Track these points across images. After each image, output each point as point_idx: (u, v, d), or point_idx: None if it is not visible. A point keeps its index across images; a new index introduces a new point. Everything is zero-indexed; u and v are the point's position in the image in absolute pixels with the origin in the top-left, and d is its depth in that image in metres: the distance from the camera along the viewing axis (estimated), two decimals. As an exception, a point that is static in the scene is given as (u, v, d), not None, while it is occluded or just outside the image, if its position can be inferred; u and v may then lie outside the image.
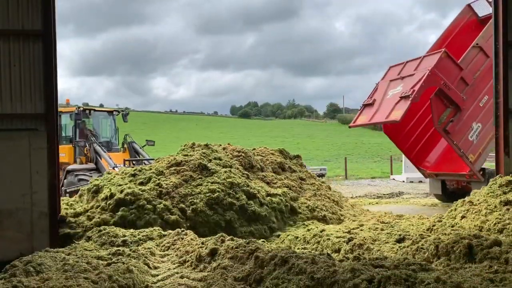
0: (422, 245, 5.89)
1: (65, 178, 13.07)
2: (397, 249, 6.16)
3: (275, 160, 11.26)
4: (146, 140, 15.20)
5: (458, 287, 3.55)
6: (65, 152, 14.02)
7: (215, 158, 9.97)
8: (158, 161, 10.19)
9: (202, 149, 10.39)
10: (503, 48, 12.55)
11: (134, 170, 9.50)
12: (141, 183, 8.84)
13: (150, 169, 9.43)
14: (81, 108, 14.44)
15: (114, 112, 15.66)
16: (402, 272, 3.81)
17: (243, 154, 10.74)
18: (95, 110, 15.18)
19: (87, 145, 13.96)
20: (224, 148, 11.14)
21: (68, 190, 12.33)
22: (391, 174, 26.52)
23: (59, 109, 14.79)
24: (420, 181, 23.35)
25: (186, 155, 9.96)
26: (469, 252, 5.49)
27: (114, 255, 6.23)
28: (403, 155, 24.94)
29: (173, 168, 9.42)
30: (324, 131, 61.75)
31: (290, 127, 68.42)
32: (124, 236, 7.20)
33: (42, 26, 7.55)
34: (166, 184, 8.79)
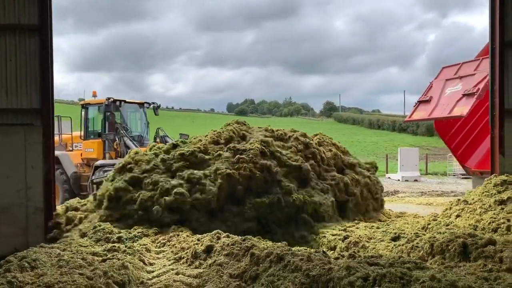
0: (417, 243, 5.91)
1: (93, 174, 12.51)
2: (392, 247, 6.18)
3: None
4: (180, 134, 13.77)
5: (452, 285, 3.56)
6: (93, 147, 13.53)
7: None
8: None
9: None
10: (500, 48, 12.61)
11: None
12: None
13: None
14: (111, 100, 13.34)
15: (145, 105, 14.69)
16: (397, 270, 3.82)
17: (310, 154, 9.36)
18: (125, 102, 14.10)
19: (117, 139, 13.04)
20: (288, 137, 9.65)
21: (95, 181, 11.73)
22: (387, 172, 26.61)
23: (86, 101, 14.45)
24: (415, 180, 23.45)
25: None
26: (463, 250, 5.52)
27: (109, 251, 6.22)
28: (399, 153, 25.12)
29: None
30: (320, 129, 61.65)
31: (287, 125, 67.97)
32: (120, 232, 7.18)
33: (38, 21, 7.52)
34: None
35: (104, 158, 13.09)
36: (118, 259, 5.62)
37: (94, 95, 14.49)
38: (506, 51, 12.61)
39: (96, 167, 12.37)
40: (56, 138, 14.18)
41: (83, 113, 13.91)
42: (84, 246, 6.63)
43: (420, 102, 15.24)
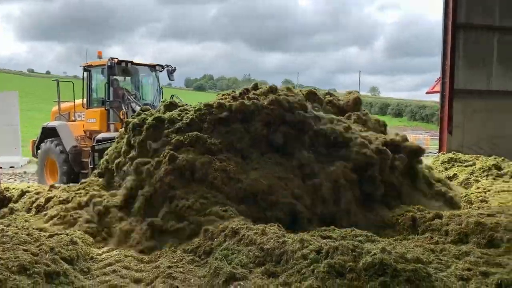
0: (369, 218, 6.06)
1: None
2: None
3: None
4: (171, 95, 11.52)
5: (402, 257, 3.66)
6: (95, 117, 11.33)
7: None
8: None
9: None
10: (452, 30, 13.00)
11: None
12: None
13: None
14: (115, 60, 11.01)
15: (157, 67, 12.16)
16: (349, 243, 3.88)
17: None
18: (132, 64, 11.68)
19: (123, 107, 10.89)
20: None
21: (96, 147, 9.90)
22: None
23: (88, 63, 11.70)
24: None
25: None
26: (412, 224, 5.74)
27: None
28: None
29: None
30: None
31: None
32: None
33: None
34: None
35: (108, 130, 11.08)
36: (67, 235, 5.39)
37: (99, 56, 12.00)
38: (457, 33, 13.07)
39: (97, 142, 10.41)
40: (57, 106, 12.37)
41: (85, 77, 11.71)
42: (30, 221, 6.33)
43: None
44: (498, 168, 9.92)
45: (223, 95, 7.84)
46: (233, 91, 7.91)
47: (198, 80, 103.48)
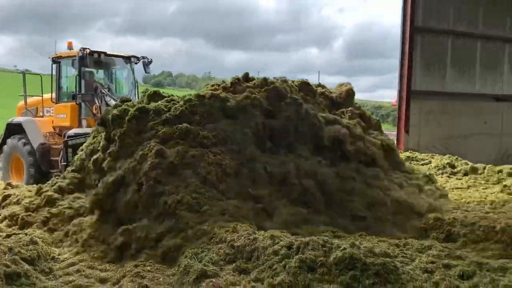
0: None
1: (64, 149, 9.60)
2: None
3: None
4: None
5: (370, 251, 3.78)
6: (65, 112, 10.45)
7: None
8: None
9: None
10: (410, 33, 13.47)
11: None
12: None
13: None
14: (87, 51, 10.15)
15: (133, 59, 11.32)
16: (320, 238, 3.95)
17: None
18: (106, 55, 10.80)
19: (97, 101, 10.09)
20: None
21: (70, 142, 9.06)
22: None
23: (57, 54, 10.79)
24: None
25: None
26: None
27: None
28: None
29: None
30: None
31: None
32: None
33: None
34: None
35: (79, 126, 10.20)
36: (26, 234, 5.18)
37: (69, 47, 11.01)
38: (415, 36, 13.55)
39: (64, 141, 9.54)
40: (23, 101, 11.41)
41: (54, 69, 10.86)
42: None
43: None
44: (452, 166, 10.42)
45: (212, 85, 7.27)
46: (223, 82, 7.36)
47: (156, 77, 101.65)
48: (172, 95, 7.02)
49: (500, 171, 9.77)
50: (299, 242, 3.94)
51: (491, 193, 8.32)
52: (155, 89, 7.16)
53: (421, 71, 13.69)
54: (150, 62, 11.48)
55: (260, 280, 3.72)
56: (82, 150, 7.08)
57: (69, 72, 10.87)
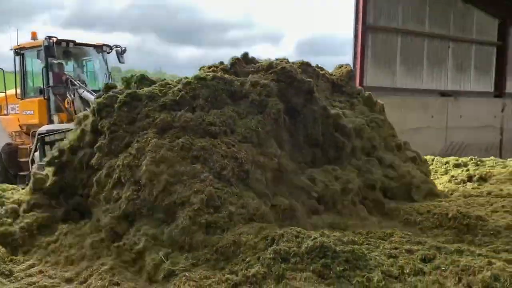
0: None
1: (36, 150, 8.63)
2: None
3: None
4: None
5: (339, 240, 3.96)
6: (32, 109, 9.59)
7: None
8: None
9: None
10: (362, 31, 13.93)
11: None
12: None
13: None
14: (53, 40, 9.20)
15: (105, 48, 10.47)
16: (293, 229, 4.07)
17: None
18: (75, 44, 9.91)
19: (69, 95, 9.19)
20: None
21: (47, 139, 8.15)
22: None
23: (20, 44, 9.92)
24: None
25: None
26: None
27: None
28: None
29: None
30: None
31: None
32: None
33: None
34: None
35: (49, 122, 9.32)
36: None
37: (34, 37, 9.99)
38: (366, 34, 14.03)
39: (40, 137, 8.56)
40: None
41: (17, 61, 9.99)
42: None
43: None
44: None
45: (209, 67, 6.52)
46: (221, 63, 6.60)
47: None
48: (165, 79, 6.22)
49: (447, 162, 10.36)
50: (274, 233, 4.00)
51: (440, 184, 8.81)
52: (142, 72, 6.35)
53: (373, 68, 14.20)
54: (124, 51, 10.69)
55: (235, 273, 3.77)
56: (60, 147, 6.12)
57: (35, 64, 10.07)
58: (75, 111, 8.90)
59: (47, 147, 8.06)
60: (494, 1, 16.44)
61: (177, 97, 5.43)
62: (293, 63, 6.75)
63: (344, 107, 7.20)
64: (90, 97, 8.72)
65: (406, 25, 14.54)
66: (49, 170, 5.75)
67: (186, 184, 4.59)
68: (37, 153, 8.53)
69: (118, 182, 4.90)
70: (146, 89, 5.64)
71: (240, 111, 5.50)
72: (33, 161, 8.62)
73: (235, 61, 6.38)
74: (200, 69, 6.65)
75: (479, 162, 10.22)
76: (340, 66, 8.33)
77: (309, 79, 6.23)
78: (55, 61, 9.40)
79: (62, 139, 6.83)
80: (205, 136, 5.11)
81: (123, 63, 10.92)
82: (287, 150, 5.62)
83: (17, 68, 10.08)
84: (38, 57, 9.72)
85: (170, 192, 4.58)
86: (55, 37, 9.35)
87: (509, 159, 10.66)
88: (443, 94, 15.68)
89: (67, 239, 4.95)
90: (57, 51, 9.40)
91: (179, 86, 5.61)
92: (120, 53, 10.66)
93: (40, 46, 9.42)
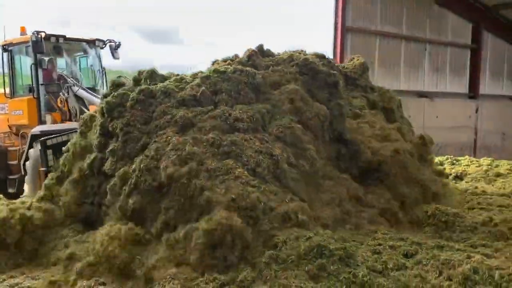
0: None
1: (28, 150, 8.08)
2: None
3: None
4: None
5: (331, 237, 4.11)
6: (22, 108, 9.03)
7: None
8: None
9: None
10: (341, 33, 14.17)
11: None
12: None
13: None
14: (42, 35, 8.55)
15: (98, 43, 9.78)
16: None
17: None
18: (65, 39, 9.16)
19: (62, 93, 8.64)
20: None
21: (50, 143, 7.21)
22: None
23: (7, 40, 9.38)
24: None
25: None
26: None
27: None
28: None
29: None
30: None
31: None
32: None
33: None
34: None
35: (40, 123, 8.73)
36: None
37: (23, 33, 9.36)
38: (346, 35, 14.27)
39: (34, 138, 7.93)
40: None
41: (5, 58, 9.40)
42: None
43: None
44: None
45: (224, 61, 6.11)
46: (236, 55, 6.20)
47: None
48: (178, 74, 5.76)
49: (425, 161, 10.64)
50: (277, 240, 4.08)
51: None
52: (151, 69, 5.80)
53: (352, 69, 14.44)
54: (118, 46, 9.99)
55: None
56: (68, 151, 5.77)
57: (24, 61, 9.48)
58: (69, 110, 8.57)
59: (49, 152, 7.35)
60: (468, 5, 16.95)
61: (197, 93, 5.05)
62: (305, 54, 6.43)
63: (361, 106, 6.89)
64: (86, 95, 8.42)
65: (384, 27, 14.85)
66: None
67: (219, 181, 4.26)
68: (31, 154, 7.97)
69: (134, 188, 4.49)
70: (160, 84, 5.24)
71: (268, 108, 5.19)
72: (25, 164, 8.12)
73: (252, 53, 5.97)
74: (213, 63, 6.27)
75: (454, 161, 10.55)
76: (352, 58, 8.01)
77: (334, 71, 5.89)
78: (45, 58, 8.88)
79: (64, 142, 6.53)
80: (233, 132, 4.76)
81: (117, 58, 10.12)
82: (315, 145, 5.29)
83: (5, 65, 9.58)
84: (26, 53, 9.23)
85: (203, 190, 4.22)
86: (43, 31, 8.78)
87: (483, 158, 11.03)
88: (420, 95, 16.06)
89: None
90: (46, 46, 8.84)
91: (197, 80, 5.23)
92: (114, 48, 10.01)
93: (28, 41, 8.86)
